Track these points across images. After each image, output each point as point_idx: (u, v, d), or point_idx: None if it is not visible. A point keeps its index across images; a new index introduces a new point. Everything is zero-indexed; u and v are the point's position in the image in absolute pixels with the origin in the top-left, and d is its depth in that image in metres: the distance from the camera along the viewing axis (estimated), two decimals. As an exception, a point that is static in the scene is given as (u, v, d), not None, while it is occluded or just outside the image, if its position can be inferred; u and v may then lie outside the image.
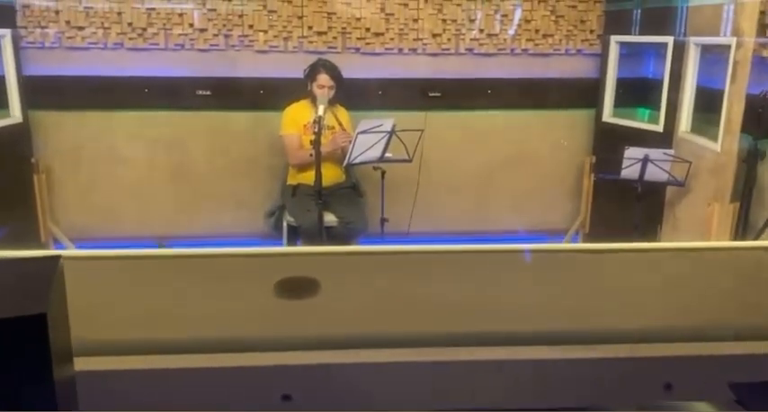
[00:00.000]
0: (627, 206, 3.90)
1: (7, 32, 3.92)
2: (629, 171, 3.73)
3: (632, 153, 3.71)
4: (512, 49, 4.41)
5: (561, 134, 4.57)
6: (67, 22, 4.07)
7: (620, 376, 1.48)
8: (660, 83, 4.03)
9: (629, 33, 4.25)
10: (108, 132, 4.24)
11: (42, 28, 4.07)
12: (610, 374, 1.50)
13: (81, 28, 4.09)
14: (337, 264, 1.72)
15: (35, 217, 4.12)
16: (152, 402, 1.27)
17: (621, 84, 4.41)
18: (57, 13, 4.06)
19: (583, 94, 4.50)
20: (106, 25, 4.10)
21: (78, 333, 1.17)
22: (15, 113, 4.02)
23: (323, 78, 3.79)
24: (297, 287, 1.55)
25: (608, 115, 4.43)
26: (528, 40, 4.40)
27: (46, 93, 4.10)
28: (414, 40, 4.30)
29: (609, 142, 4.27)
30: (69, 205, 4.31)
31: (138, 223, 4.30)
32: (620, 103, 4.43)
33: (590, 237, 4.59)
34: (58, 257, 0.87)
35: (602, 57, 4.41)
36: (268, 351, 1.38)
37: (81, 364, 1.22)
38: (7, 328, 0.70)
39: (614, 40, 4.31)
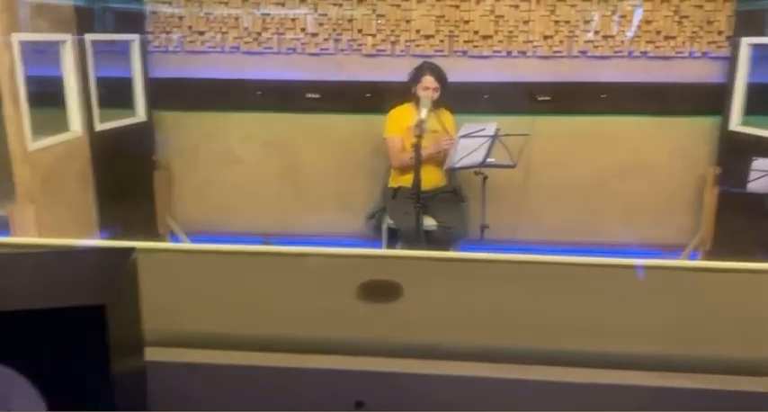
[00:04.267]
0: (754, 223, 3.57)
1: (136, 37, 4.20)
2: (757, 184, 3.41)
3: (761, 165, 3.40)
4: (630, 52, 4.17)
5: (682, 142, 4.27)
6: (189, 27, 4.30)
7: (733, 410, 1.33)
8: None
9: (763, 35, 3.91)
10: (223, 132, 4.43)
11: (167, 33, 4.32)
12: (717, 407, 1.36)
13: (201, 33, 4.30)
14: (422, 269, 1.68)
15: (154, 210, 4.38)
16: (225, 398, 1.29)
17: (753, 89, 4.04)
18: (180, 18, 4.30)
19: (707, 99, 4.18)
20: (224, 30, 4.29)
21: (157, 324, 1.20)
22: (140, 113, 4.29)
23: (427, 80, 3.76)
24: (379, 290, 1.53)
25: (736, 123, 4.08)
26: (648, 42, 4.15)
27: (168, 94, 4.34)
28: (523, 42, 4.17)
29: (736, 152, 3.93)
30: (186, 201, 4.55)
31: (248, 220, 4.45)
32: (750, 110, 4.07)
33: (711, 255, 4.24)
34: (130, 250, 0.89)
35: (732, 60, 4.08)
36: (345, 353, 1.36)
37: (160, 355, 1.25)
38: (67, 318, 0.72)
39: (746, 42, 3.97)
